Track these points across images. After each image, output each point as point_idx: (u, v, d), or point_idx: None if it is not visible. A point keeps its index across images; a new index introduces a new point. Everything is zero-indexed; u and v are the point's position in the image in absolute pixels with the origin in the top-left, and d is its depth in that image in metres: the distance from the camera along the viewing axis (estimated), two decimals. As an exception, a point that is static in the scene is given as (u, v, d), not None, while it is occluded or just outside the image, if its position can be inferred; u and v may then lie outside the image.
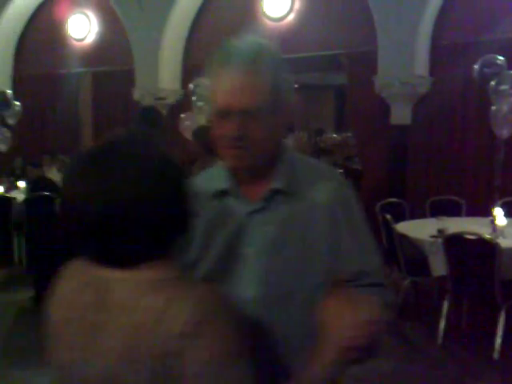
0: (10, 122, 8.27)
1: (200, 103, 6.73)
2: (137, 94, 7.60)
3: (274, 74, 1.19)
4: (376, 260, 1.31)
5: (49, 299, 1.09)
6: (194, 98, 6.69)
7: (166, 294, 0.94)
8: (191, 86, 6.63)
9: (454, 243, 3.85)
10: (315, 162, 1.40)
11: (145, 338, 0.92)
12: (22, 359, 3.86)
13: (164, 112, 7.59)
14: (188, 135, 5.82)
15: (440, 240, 3.92)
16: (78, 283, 1.05)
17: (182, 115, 6.71)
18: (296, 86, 14.39)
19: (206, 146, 3.75)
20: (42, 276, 5.29)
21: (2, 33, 8.81)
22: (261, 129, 1.18)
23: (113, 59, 8.08)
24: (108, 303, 0.98)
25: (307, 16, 6.79)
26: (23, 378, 3.63)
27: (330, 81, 12.10)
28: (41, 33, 8.78)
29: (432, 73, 6.13)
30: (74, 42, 8.43)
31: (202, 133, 3.98)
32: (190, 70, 7.59)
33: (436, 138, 6.11)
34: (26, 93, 8.82)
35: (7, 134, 8.17)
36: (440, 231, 4.07)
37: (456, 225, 4.14)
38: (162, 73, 7.56)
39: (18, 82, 9.16)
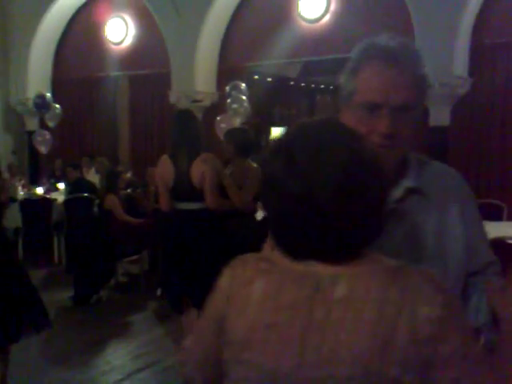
0: (51, 124, 8.48)
1: (235, 105, 6.76)
2: (173, 97, 7.68)
3: (420, 69, 1.18)
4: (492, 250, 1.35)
5: (225, 307, 0.99)
6: (228, 101, 6.73)
7: (398, 284, 0.90)
8: (228, 88, 6.67)
9: (495, 248, 3.74)
10: (428, 158, 1.38)
11: (392, 330, 0.87)
12: (61, 359, 3.94)
13: (200, 115, 7.67)
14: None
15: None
16: (272, 282, 0.95)
17: (218, 118, 6.75)
18: (331, 87, 14.34)
19: (238, 148, 3.77)
20: (81, 276, 5.40)
21: (42, 37, 9.02)
22: (409, 126, 1.17)
23: (149, 62, 8.18)
24: (328, 299, 0.91)
25: (343, 17, 6.74)
26: (63, 378, 3.69)
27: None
28: (79, 37, 8.96)
29: (471, 73, 6.01)
30: (112, 46, 8.57)
31: (233, 134, 3.96)
32: (226, 72, 7.64)
33: (476, 140, 5.98)
34: (65, 96, 9.01)
35: (48, 136, 8.39)
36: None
37: (497, 230, 4.03)
38: (198, 75, 7.62)
39: (57, 85, 9.36)
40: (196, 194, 3.47)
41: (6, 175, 6.63)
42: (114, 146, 9.24)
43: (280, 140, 0.98)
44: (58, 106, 8.41)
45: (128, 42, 8.41)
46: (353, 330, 0.88)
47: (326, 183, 0.89)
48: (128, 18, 8.33)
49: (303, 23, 6.98)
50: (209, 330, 1.03)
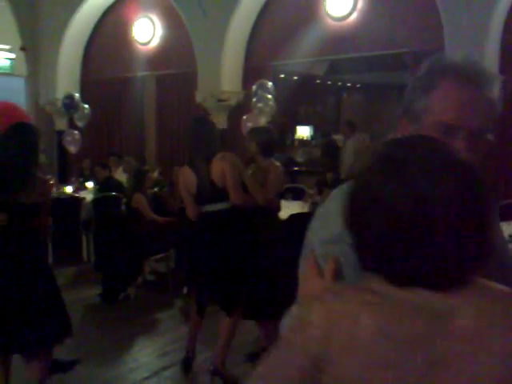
0: (80, 124, 8.62)
1: (260, 104, 6.77)
2: (199, 97, 7.72)
3: (495, 93, 1.13)
4: None
5: (324, 346, 0.91)
6: (254, 100, 6.74)
7: None
8: (254, 87, 6.67)
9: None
10: None
11: None
12: (88, 356, 3.97)
13: (225, 114, 7.69)
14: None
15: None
16: (384, 316, 0.88)
17: (244, 117, 6.76)
18: (358, 85, 14.24)
19: (261, 147, 3.78)
20: (109, 274, 5.48)
21: (71, 39, 9.17)
22: (481, 151, 1.11)
23: (176, 62, 8.24)
24: (449, 331, 0.85)
25: (370, 15, 6.68)
26: (91, 375, 3.75)
27: (393, 80, 11.85)
28: (107, 38, 9.07)
29: (502, 72, 5.88)
30: (139, 46, 8.65)
31: (256, 133, 3.95)
32: (252, 71, 7.65)
33: (508, 139, 5.86)
34: (94, 96, 9.14)
35: (77, 136, 8.52)
36: (511, 236, 3.90)
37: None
38: (224, 75, 7.64)
39: (85, 85, 9.51)
40: (219, 195, 3.49)
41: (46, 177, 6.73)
42: (141, 146, 9.32)
43: (384, 157, 0.92)
44: (86, 106, 8.53)
45: (155, 42, 8.48)
46: (482, 362, 0.84)
47: (441, 200, 0.84)
48: (155, 18, 8.40)
49: (330, 21, 6.94)
50: (294, 366, 0.94)
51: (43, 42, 9.26)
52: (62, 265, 5.73)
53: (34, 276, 2.83)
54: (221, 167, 3.45)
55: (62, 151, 9.30)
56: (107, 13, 9.06)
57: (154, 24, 8.40)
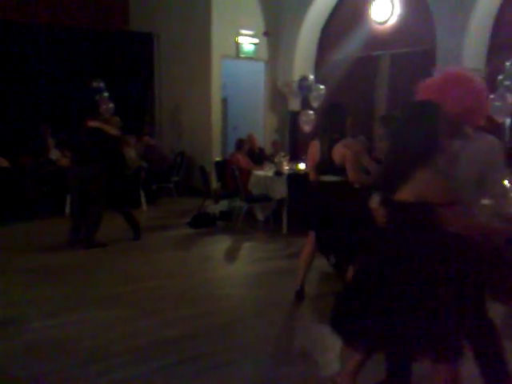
0: (314, 104, 9.02)
1: (507, 82, 6.32)
2: (437, 74, 7.47)
3: None
4: None
5: None
6: (500, 77, 6.32)
7: None
8: (508, 64, 6.28)
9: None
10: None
11: None
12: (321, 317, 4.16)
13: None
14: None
15: None
16: None
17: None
18: None
19: (388, 134, 4.33)
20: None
21: (309, 22, 9.61)
22: None
23: (412, 40, 8.09)
24: None
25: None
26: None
27: None
28: (344, 18, 9.28)
29: None
30: (376, 26, 8.68)
31: (386, 121, 4.54)
32: (497, 49, 7.14)
33: None
34: (326, 76, 9.46)
35: (312, 116, 8.94)
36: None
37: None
38: (467, 52, 7.27)
39: (319, 66, 9.88)
40: (335, 169, 4.25)
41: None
42: (370, 125, 9.39)
43: None
44: (322, 86, 8.89)
45: (392, 20, 8.43)
46: None
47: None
48: (395, -4, 8.35)
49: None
50: None
51: (285, 26, 9.86)
52: (295, 236, 6.04)
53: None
54: (342, 153, 4.17)
55: (293, 130, 9.85)
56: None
57: (393, 3, 8.34)
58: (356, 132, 5.07)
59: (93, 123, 6.17)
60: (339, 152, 4.21)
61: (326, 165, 4.31)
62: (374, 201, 2.60)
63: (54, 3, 10.34)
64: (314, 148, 4.46)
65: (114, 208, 6.64)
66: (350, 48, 9.12)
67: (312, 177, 4.54)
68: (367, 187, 4.16)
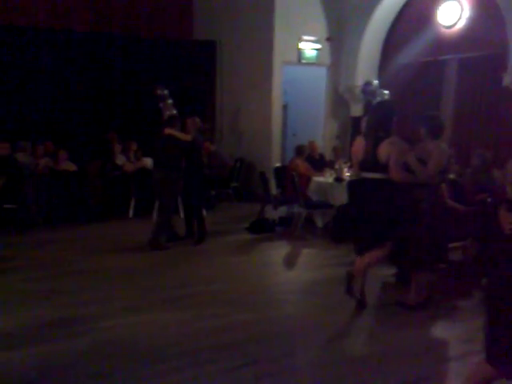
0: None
1: None
2: (507, 79, 7.18)
3: None
4: None
5: None
6: None
7: None
8: None
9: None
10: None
11: None
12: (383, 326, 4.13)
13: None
14: None
15: None
16: None
17: None
18: None
19: (430, 131, 4.51)
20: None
21: (374, 26, 9.47)
22: None
23: (482, 44, 7.82)
24: None
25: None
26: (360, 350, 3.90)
27: None
28: (409, 22, 9.09)
29: None
30: (443, 30, 8.45)
31: (427, 120, 4.59)
32: None
33: None
34: (390, 81, 9.27)
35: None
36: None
37: None
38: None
39: (383, 71, 9.72)
40: (378, 167, 4.24)
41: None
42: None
43: None
44: (386, 91, 8.72)
45: (461, 24, 8.17)
46: None
47: None
48: (464, 0, 8.08)
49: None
50: None
51: (348, 31, 9.77)
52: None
53: None
54: (387, 151, 4.19)
55: (354, 137, 9.69)
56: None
57: (461, 6, 8.09)
58: (406, 133, 5.01)
59: (167, 130, 6.54)
60: (384, 150, 4.21)
61: (369, 162, 4.31)
62: (503, 208, 2.54)
63: (127, 16, 10.78)
64: (358, 144, 4.51)
65: (191, 208, 6.94)
66: (415, 52, 8.92)
67: (354, 171, 4.69)
68: (410, 186, 4.32)
